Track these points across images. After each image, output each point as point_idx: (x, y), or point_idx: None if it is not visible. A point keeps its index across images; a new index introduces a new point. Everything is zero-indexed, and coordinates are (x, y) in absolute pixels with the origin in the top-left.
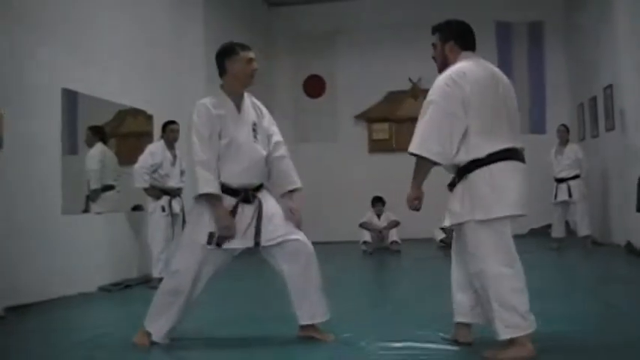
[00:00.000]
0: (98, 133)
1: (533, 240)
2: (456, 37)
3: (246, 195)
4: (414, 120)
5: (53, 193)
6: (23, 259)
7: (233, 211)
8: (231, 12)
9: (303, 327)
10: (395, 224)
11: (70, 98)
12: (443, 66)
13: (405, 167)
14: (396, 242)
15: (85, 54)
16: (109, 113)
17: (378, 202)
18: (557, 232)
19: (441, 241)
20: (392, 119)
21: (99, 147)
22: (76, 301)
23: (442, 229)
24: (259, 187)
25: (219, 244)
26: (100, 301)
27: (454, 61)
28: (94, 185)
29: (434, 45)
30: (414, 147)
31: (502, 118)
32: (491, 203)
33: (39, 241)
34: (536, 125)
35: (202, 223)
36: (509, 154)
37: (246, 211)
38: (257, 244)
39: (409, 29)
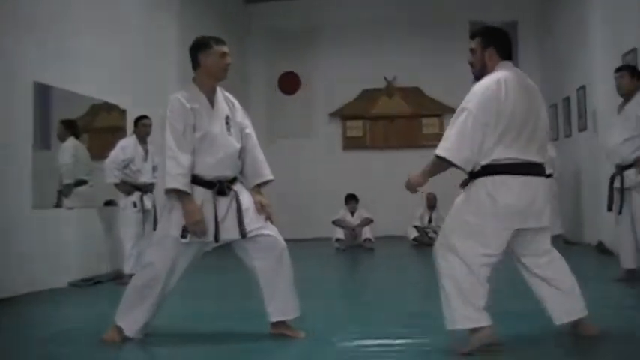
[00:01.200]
0: (70, 128)
1: None
2: (497, 44)
3: (221, 187)
4: (388, 118)
5: (24, 187)
6: None
7: (214, 205)
8: (207, 7)
9: (274, 324)
10: (368, 222)
11: (43, 92)
12: (481, 73)
13: (379, 165)
14: (369, 240)
15: (58, 47)
16: (83, 107)
17: (351, 199)
18: None
19: (414, 239)
20: (366, 117)
21: (71, 141)
22: (46, 297)
23: (415, 227)
24: (234, 180)
25: (216, 239)
26: (70, 296)
27: (492, 69)
28: (67, 180)
29: (472, 50)
30: (443, 151)
31: (526, 132)
32: (484, 211)
33: (9, 235)
34: None
35: (175, 217)
36: (522, 169)
37: (221, 204)
38: (243, 235)
39: (385, 27)
